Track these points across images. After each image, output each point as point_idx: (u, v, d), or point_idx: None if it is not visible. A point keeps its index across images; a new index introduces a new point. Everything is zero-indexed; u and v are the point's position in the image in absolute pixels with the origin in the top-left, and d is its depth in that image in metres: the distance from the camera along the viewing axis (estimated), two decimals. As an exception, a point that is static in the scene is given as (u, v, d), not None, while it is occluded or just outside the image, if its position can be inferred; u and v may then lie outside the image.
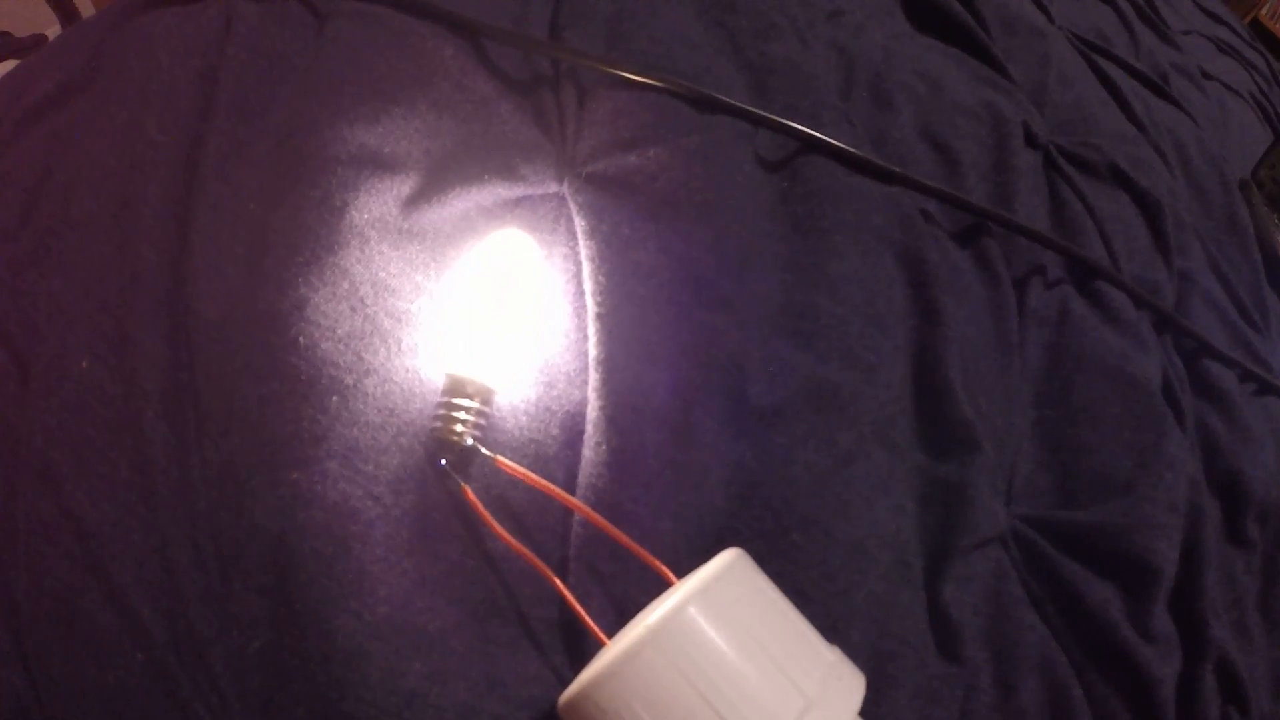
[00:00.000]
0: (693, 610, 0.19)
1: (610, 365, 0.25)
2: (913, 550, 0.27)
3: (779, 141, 0.34)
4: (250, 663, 0.22)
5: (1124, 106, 0.54)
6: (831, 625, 0.24)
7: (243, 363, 0.24)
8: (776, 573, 0.23)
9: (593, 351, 0.25)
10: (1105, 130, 0.47)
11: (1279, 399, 0.46)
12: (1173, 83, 0.66)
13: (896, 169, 0.33)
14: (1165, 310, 0.38)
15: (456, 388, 0.24)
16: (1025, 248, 0.37)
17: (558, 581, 0.22)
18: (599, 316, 0.26)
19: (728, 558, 0.20)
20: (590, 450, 0.24)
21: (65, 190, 0.30)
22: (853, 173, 0.34)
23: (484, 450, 0.24)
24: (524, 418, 0.26)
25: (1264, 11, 1.71)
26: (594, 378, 0.25)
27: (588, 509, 0.23)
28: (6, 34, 0.81)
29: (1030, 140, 0.43)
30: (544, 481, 0.23)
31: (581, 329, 0.26)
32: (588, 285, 0.26)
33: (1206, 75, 0.75)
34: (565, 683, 0.23)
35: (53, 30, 0.93)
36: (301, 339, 0.24)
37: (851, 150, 0.33)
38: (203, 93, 0.31)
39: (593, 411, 0.24)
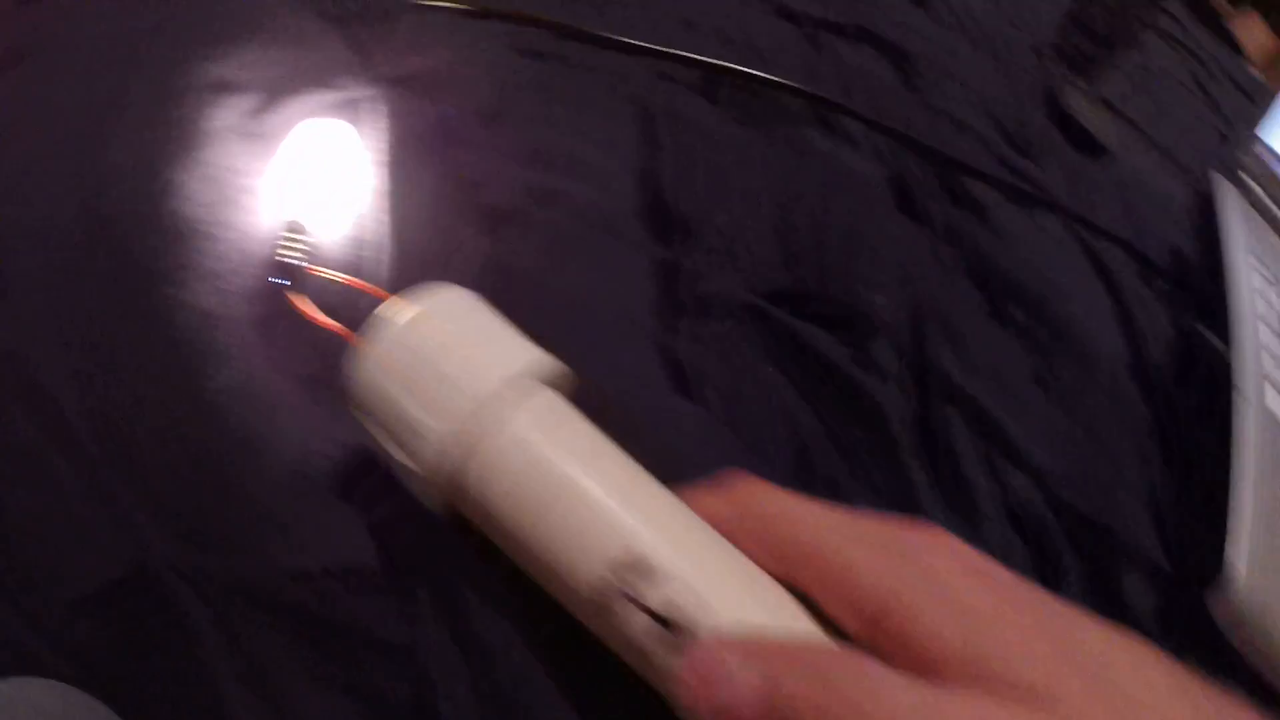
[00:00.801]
0: (423, 306, 0.25)
1: (391, 193, 0.32)
2: (644, 314, 0.33)
3: (543, 38, 0.41)
4: (160, 437, 0.29)
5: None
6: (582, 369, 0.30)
7: (135, 223, 0.32)
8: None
9: (380, 187, 0.33)
10: (874, 3, 0.54)
11: (1047, 213, 0.52)
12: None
13: (640, 42, 0.40)
14: (896, 129, 0.44)
15: (289, 227, 0.33)
16: (771, 97, 0.43)
17: (332, 324, 0.28)
18: (385, 164, 0.33)
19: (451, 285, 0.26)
20: (373, 253, 0.31)
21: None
22: (604, 50, 0.40)
23: (303, 267, 0.31)
24: (338, 248, 0.33)
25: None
26: (380, 205, 0.32)
27: (372, 286, 0.29)
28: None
29: (787, 15, 0.49)
30: (343, 276, 0.30)
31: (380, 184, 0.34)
32: (381, 145, 0.34)
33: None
34: None
35: None
36: (176, 207, 0.32)
37: (601, 34, 0.39)
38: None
39: (378, 227, 0.32)
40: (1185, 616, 0.38)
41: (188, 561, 0.29)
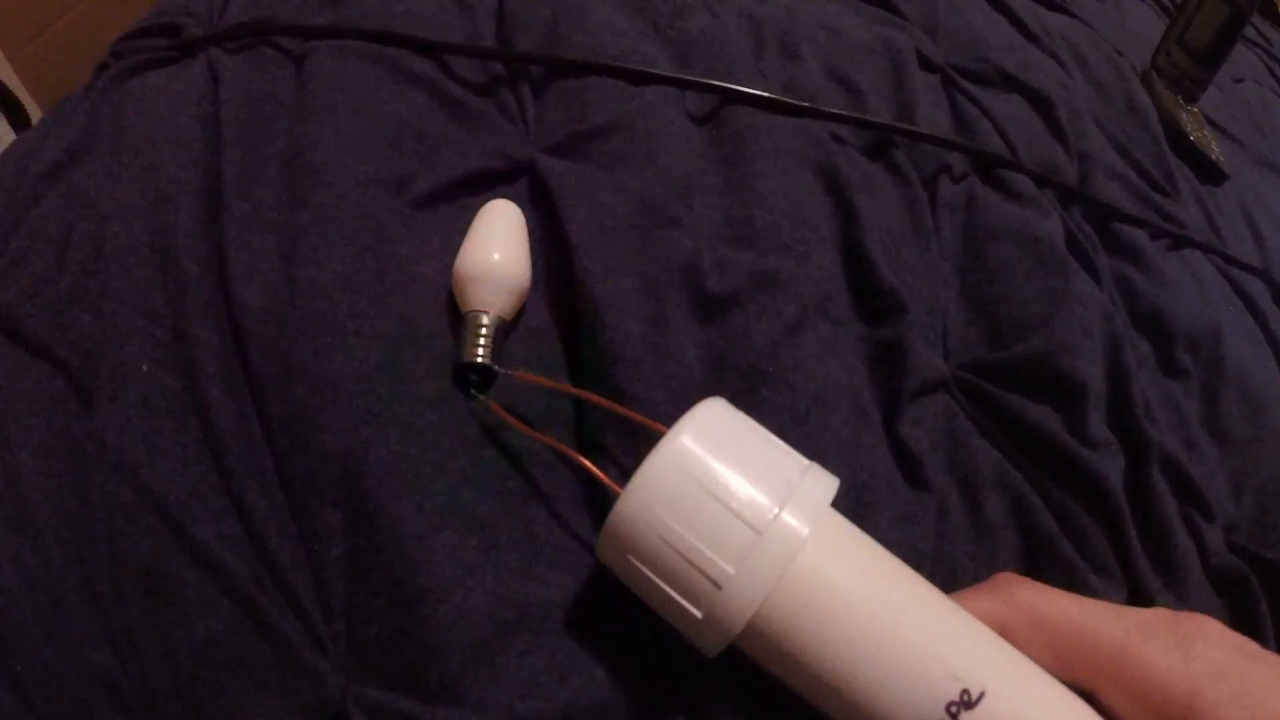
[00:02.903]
0: (686, 437, 0.23)
1: (592, 280, 0.30)
2: (867, 399, 0.32)
3: (703, 99, 0.40)
4: (332, 570, 0.27)
5: (1016, 23, 0.60)
6: (816, 458, 0.29)
7: (294, 330, 0.29)
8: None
9: (577, 274, 0.31)
10: (995, 45, 0.53)
11: (1193, 250, 0.51)
12: (1066, -5, 0.72)
13: (804, 104, 0.39)
14: (1065, 183, 0.44)
15: (472, 321, 0.31)
16: (931, 152, 0.42)
17: (581, 459, 0.27)
18: (577, 247, 0.32)
19: (708, 400, 0.25)
20: (587, 349, 0.30)
21: (92, 236, 0.35)
22: (768, 113, 0.40)
23: (498, 369, 0.30)
24: (528, 340, 0.32)
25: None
26: (580, 294, 0.31)
27: (592, 395, 0.28)
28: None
29: (926, 65, 0.49)
30: (554, 382, 0.29)
31: (563, 265, 0.32)
32: (567, 228, 0.32)
33: (1101, -16, 0.81)
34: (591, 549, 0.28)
35: None
36: (343, 301, 0.30)
37: (762, 94, 0.38)
38: (207, 134, 0.37)
39: (585, 320, 0.30)
40: None
41: (377, 704, 0.26)
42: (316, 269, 0.31)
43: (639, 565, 0.23)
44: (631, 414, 0.27)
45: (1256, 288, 0.56)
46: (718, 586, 0.22)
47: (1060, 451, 0.34)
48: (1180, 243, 0.51)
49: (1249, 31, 1.02)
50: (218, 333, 0.31)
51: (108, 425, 0.31)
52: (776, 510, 0.22)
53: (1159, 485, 0.37)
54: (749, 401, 0.29)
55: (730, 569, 0.22)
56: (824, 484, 0.24)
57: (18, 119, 0.96)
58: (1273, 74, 0.95)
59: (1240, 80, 0.85)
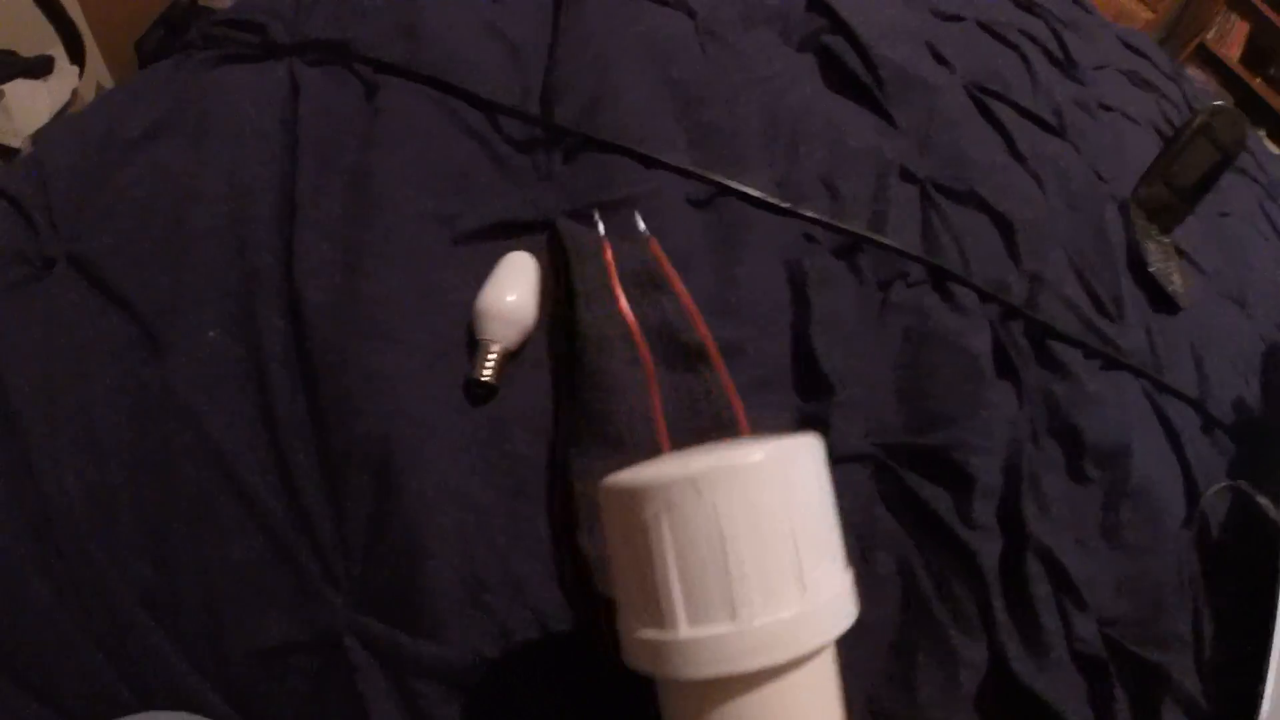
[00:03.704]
0: (810, 455, 0.23)
1: (584, 325, 0.39)
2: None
3: (703, 188, 0.48)
4: (357, 525, 0.35)
5: (1009, 142, 0.67)
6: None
7: (350, 329, 0.37)
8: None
9: (578, 317, 0.40)
10: (979, 164, 0.60)
11: (1122, 372, 0.58)
12: (1067, 116, 0.78)
13: (787, 205, 0.47)
14: (1006, 300, 0.51)
15: (484, 349, 0.39)
16: (894, 259, 0.50)
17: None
18: (580, 295, 0.41)
19: (810, 438, 0.24)
20: (577, 376, 0.38)
21: (175, 209, 0.43)
22: (757, 208, 0.47)
23: (499, 386, 0.38)
24: (527, 368, 0.40)
25: (1210, 36, 1.84)
26: (576, 333, 0.40)
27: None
28: (12, 53, 0.86)
29: (909, 177, 0.56)
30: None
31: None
32: (575, 285, 0.41)
33: (1106, 107, 0.88)
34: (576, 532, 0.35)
35: (56, 50, 0.93)
36: (395, 312, 0.38)
37: (751, 192, 0.46)
38: (286, 138, 0.45)
39: (578, 355, 0.39)
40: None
41: (374, 634, 0.33)
42: (376, 282, 0.39)
43: (665, 534, 0.21)
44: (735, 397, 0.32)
45: (1185, 414, 0.62)
46: (733, 617, 0.20)
47: (944, 528, 0.41)
48: (1112, 364, 0.57)
49: (1248, 164, 1.08)
50: (282, 318, 0.39)
51: (176, 375, 0.39)
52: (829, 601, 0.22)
53: (1033, 570, 0.44)
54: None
55: (756, 623, 0.20)
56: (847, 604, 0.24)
57: (75, 51, 0.96)
58: (1264, 211, 1.01)
59: (1226, 214, 0.91)
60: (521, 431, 0.38)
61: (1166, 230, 0.77)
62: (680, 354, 0.37)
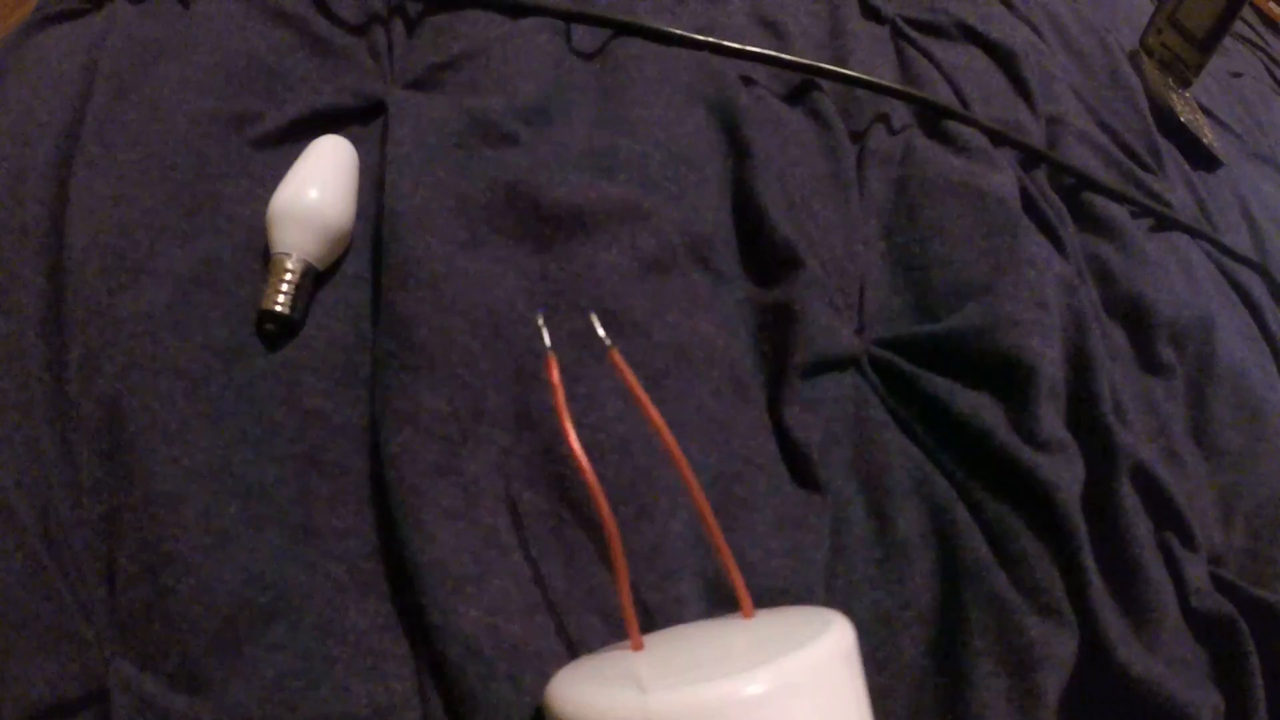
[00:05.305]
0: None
1: (396, 196, 0.26)
2: (747, 373, 0.25)
3: (595, 37, 0.34)
4: (97, 529, 0.23)
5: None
6: (673, 432, 0.22)
7: (96, 269, 0.26)
8: (600, 376, 0.22)
9: (385, 193, 0.27)
10: (959, 8, 0.47)
11: (1180, 234, 0.45)
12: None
13: (704, 38, 0.33)
14: (1024, 142, 0.37)
15: (276, 265, 0.26)
16: (867, 101, 0.36)
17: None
18: (389, 164, 0.28)
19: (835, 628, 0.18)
20: (382, 274, 0.25)
21: None
22: (661, 46, 0.33)
23: (297, 318, 0.26)
24: (343, 288, 0.27)
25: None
26: (383, 215, 0.26)
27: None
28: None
29: (874, 15, 0.43)
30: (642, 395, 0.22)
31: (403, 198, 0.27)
32: (385, 147, 0.28)
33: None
34: (376, 536, 0.22)
35: None
36: (144, 240, 0.27)
37: (651, 26, 0.32)
38: (85, 79, 0.34)
39: (385, 242, 0.26)
40: None
41: (130, 683, 0.22)
42: (134, 207, 0.27)
43: None
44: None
45: (1253, 281, 0.49)
46: None
47: (998, 453, 0.27)
48: (1166, 224, 0.44)
49: (1249, 34, 0.97)
50: (44, 275, 0.28)
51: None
52: None
53: (1129, 502, 0.30)
54: (592, 348, 0.22)
55: None
56: None
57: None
58: (1273, 76, 0.89)
59: (1238, 75, 0.78)
60: (317, 380, 0.24)
61: (1184, 84, 0.65)
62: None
